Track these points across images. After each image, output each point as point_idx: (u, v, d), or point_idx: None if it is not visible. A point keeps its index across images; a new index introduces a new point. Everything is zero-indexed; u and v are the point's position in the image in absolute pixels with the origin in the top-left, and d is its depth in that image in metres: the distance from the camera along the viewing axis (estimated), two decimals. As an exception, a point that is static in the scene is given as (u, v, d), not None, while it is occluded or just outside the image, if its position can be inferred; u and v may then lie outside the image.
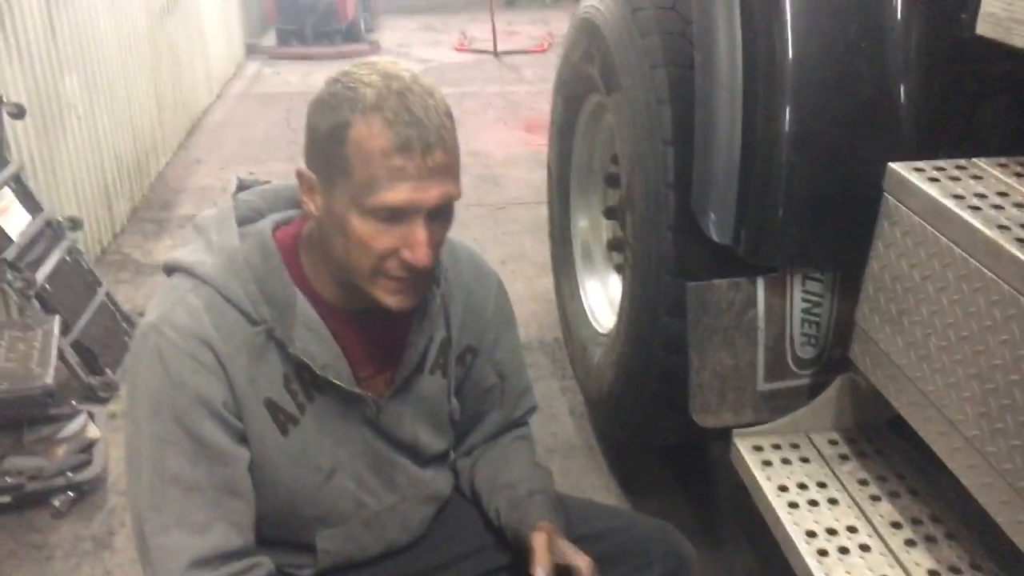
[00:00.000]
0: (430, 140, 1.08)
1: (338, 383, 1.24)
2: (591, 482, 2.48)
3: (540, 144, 4.37)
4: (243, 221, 1.25)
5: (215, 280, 1.18)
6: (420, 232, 1.12)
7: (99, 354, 2.83)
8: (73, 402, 2.62)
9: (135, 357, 1.20)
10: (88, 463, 2.41)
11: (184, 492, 1.16)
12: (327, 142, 1.11)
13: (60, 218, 3.04)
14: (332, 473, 1.29)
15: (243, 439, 1.21)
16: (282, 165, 4.79)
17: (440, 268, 1.33)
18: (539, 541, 1.28)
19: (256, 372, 1.20)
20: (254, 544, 1.24)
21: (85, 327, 2.84)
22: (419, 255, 1.12)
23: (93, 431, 2.50)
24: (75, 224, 3.11)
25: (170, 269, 1.24)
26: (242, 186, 1.34)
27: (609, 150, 2.54)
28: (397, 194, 1.09)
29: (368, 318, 1.26)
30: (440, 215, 1.15)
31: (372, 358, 1.29)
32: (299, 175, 1.17)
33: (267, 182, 1.36)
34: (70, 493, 2.36)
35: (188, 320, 1.16)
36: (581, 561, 1.27)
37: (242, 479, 1.21)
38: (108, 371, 2.81)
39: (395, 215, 1.11)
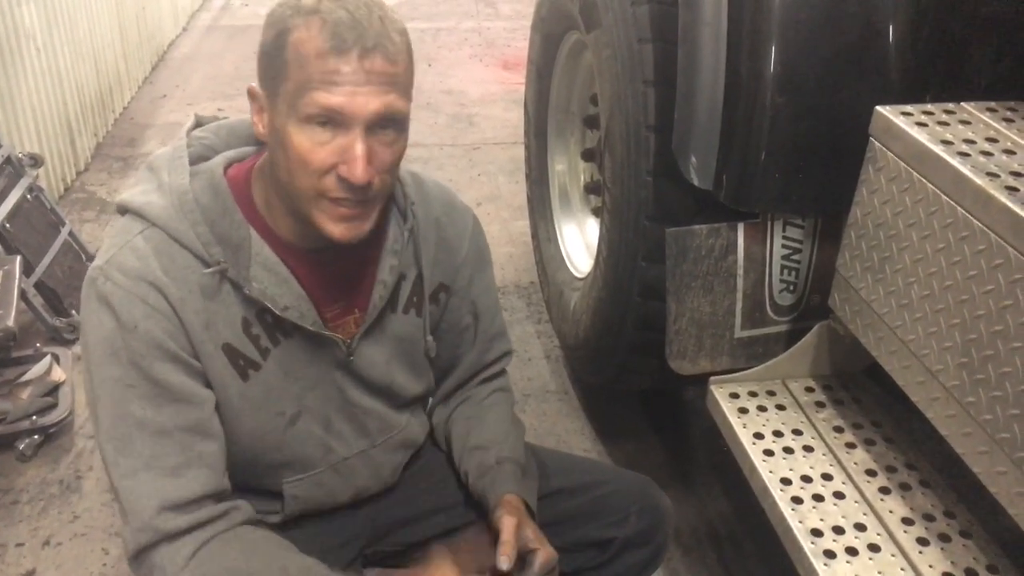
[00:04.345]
0: (367, 44, 1.04)
1: (302, 325, 1.20)
2: (566, 426, 2.48)
3: (517, 83, 4.29)
4: (197, 159, 1.21)
5: (165, 222, 1.14)
6: (357, 144, 1.07)
7: (64, 295, 2.76)
8: (38, 344, 2.57)
9: (84, 302, 1.15)
10: (54, 406, 2.37)
11: (151, 437, 1.13)
12: (271, 51, 1.08)
13: (20, 154, 2.94)
14: (296, 418, 1.26)
15: (206, 381, 1.18)
16: (252, 101, 4.65)
17: (407, 202, 1.29)
18: (507, 526, 1.23)
19: (212, 316, 1.16)
20: (229, 486, 1.21)
21: (48, 268, 2.76)
22: (355, 169, 1.06)
23: (58, 373, 2.45)
24: (36, 161, 3.01)
25: (122, 209, 1.20)
26: (199, 123, 1.28)
27: (588, 90, 2.49)
28: (331, 96, 1.04)
29: (329, 255, 1.22)
30: (385, 131, 1.09)
31: (337, 298, 1.25)
32: (249, 93, 1.14)
33: (227, 118, 1.31)
34: (36, 436, 2.32)
35: (136, 263, 1.12)
36: (543, 552, 1.24)
37: (210, 420, 1.18)
38: (74, 312, 2.74)
39: (330, 121, 1.06)
